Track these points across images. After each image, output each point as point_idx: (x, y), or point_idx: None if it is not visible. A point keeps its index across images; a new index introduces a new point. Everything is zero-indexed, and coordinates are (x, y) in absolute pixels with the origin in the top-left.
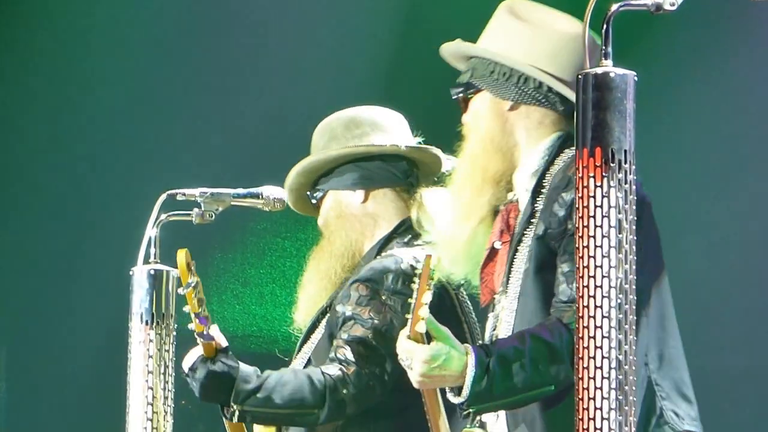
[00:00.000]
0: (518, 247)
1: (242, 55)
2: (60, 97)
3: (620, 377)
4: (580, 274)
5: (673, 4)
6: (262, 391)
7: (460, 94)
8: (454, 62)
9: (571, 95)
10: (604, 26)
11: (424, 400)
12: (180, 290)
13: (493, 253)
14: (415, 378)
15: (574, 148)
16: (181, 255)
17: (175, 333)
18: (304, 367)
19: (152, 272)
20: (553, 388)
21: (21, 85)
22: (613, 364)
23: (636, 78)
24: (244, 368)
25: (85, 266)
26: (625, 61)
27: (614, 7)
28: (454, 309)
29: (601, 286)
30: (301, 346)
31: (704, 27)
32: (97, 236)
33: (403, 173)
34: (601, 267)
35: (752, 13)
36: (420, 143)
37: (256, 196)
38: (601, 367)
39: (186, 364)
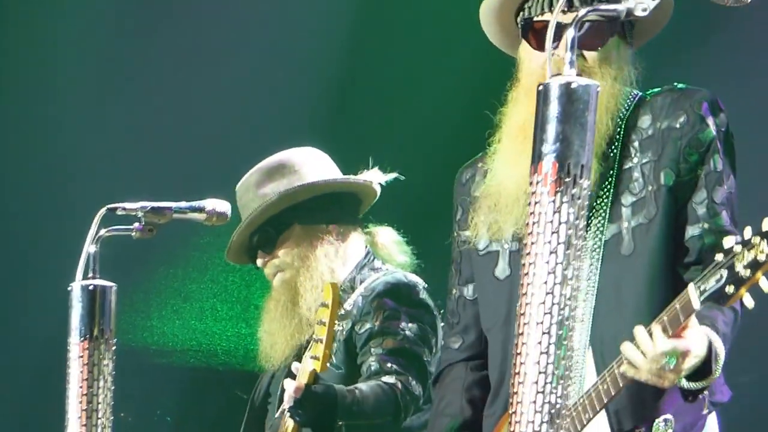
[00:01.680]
0: (606, 196)
1: (183, 66)
2: None
3: (555, 391)
4: (524, 291)
5: (645, 10)
6: (356, 405)
7: (612, 26)
8: None
9: None
10: (570, 32)
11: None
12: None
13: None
14: (674, 377)
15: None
16: (331, 288)
17: (114, 347)
18: None
19: (91, 288)
20: None
21: None
22: (549, 379)
23: (599, 89)
24: (338, 387)
25: (26, 281)
26: None
27: (582, 12)
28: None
29: (543, 303)
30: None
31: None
32: (37, 251)
33: (350, 205)
34: (545, 283)
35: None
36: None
37: (198, 210)
38: (536, 382)
39: (288, 398)
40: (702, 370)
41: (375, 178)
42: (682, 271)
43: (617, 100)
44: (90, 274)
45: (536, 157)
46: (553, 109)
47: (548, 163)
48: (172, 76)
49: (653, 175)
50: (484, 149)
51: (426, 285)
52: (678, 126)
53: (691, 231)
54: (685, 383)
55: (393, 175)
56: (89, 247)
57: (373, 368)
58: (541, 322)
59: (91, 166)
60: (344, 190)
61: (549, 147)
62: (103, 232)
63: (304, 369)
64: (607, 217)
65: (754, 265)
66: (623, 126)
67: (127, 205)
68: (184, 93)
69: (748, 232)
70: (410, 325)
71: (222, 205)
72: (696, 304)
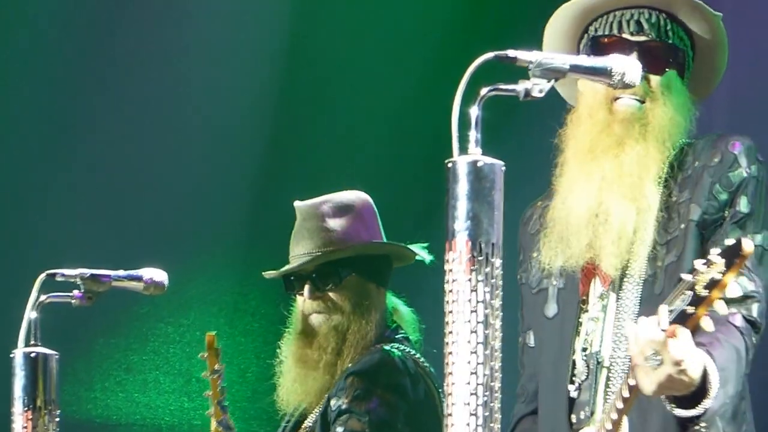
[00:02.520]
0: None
1: (123, 135)
2: None
3: None
4: (449, 370)
5: (541, 91)
6: None
7: (676, 59)
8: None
9: None
10: (474, 110)
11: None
12: (204, 375)
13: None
14: (657, 380)
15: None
16: (209, 339)
17: (58, 419)
18: None
19: (33, 355)
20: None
21: None
22: None
23: (504, 168)
24: None
25: None
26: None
27: (483, 90)
28: (436, 410)
29: (468, 383)
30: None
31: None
32: None
33: (386, 268)
34: (469, 363)
35: None
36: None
37: (136, 279)
38: None
39: None
40: (693, 397)
41: (418, 251)
42: None
43: (678, 130)
44: (32, 342)
45: (450, 234)
46: (463, 186)
47: (462, 241)
48: (109, 144)
49: (686, 213)
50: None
51: (425, 362)
52: (712, 164)
53: None
54: (671, 405)
55: (425, 253)
56: (30, 314)
57: None
58: (468, 403)
59: (31, 230)
60: (401, 255)
61: (461, 224)
62: (43, 298)
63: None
64: (646, 258)
65: (711, 284)
66: (667, 166)
67: (66, 271)
68: (122, 163)
69: (713, 252)
70: (380, 409)
71: (159, 275)
72: (664, 324)
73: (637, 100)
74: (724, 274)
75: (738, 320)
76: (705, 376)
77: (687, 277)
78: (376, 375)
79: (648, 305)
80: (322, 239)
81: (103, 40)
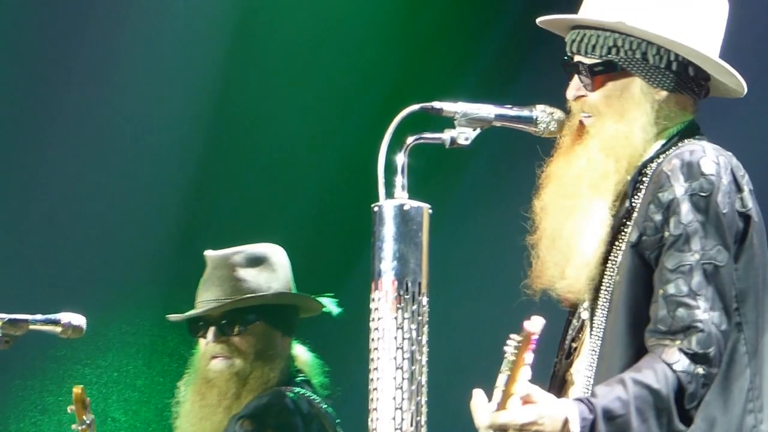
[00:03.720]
0: (609, 256)
1: (34, 179)
2: None
3: None
4: (374, 406)
5: (467, 139)
6: None
7: (601, 73)
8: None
9: (729, 76)
10: (400, 158)
11: None
12: (74, 427)
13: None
14: None
15: (696, 138)
16: (77, 391)
17: None
18: None
19: None
20: None
21: None
22: None
23: (431, 210)
24: None
25: None
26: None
27: (410, 139)
28: None
29: (394, 418)
30: None
31: (500, 160)
32: None
33: (289, 316)
34: (394, 399)
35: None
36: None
37: (54, 322)
38: None
39: None
40: None
41: (326, 303)
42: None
43: (628, 141)
44: None
45: (376, 274)
46: (389, 229)
47: (388, 281)
48: (29, 187)
49: (628, 235)
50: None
51: (321, 404)
52: (652, 183)
53: (653, 297)
54: None
55: (333, 305)
56: None
57: None
58: None
59: None
60: (308, 307)
61: (388, 265)
62: None
63: None
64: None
65: (511, 365)
66: (629, 184)
67: None
68: (42, 205)
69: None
70: None
71: (77, 319)
72: (492, 406)
73: (587, 116)
74: (516, 355)
75: (671, 356)
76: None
77: (507, 350)
78: (265, 416)
79: (609, 326)
80: (232, 288)
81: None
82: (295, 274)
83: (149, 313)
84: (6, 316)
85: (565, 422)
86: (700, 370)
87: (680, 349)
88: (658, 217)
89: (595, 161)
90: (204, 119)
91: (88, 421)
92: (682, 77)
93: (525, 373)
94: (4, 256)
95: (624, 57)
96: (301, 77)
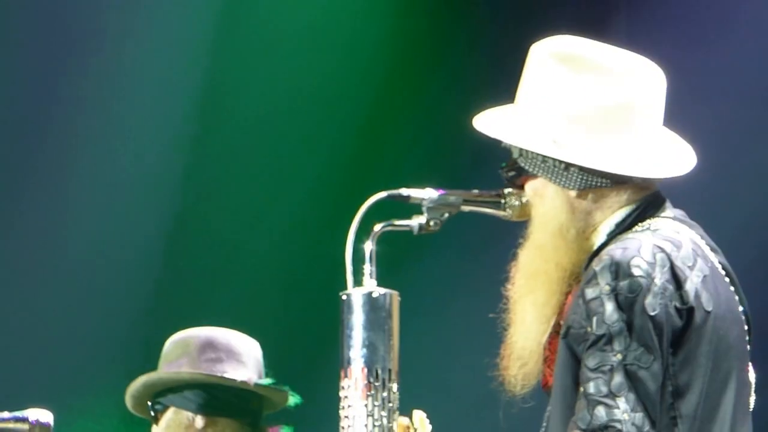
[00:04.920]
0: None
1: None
2: None
3: None
4: None
5: (436, 225)
6: None
7: (513, 178)
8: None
9: (636, 169)
10: (368, 245)
11: None
12: None
13: (557, 328)
14: None
15: (647, 220)
16: None
17: None
18: None
19: None
20: None
21: None
22: None
23: (399, 297)
24: None
25: None
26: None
27: (377, 227)
28: None
29: None
30: None
31: (472, 244)
32: None
33: (248, 408)
34: None
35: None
36: (271, 381)
37: (22, 420)
38: None
39: None
40: None
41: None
42: None
43: (552, 234)
44: None
45: (345, 362)
46: (358, 317)
47: (357, 369)
48: None
49: (564, 327)
50: None
51: None
52: (583, 277)
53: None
54: None
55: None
56: None
57: None
58: None
59: None
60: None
61: (357, 353)
62: None
63: None
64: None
65: None
66: (574, 276)
67: None
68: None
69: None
70: None
71: (45, 416)
72: None
73: None
74: None
75: None
76: None
77: None
78: None
79: (552, 414)
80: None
81: None
82: (264, 362)
83: (115, 410)
84: None
85: None
86: None
87: None
88: (583, 313)
89: (532, 260)
90: (172, 202)
91: None
92: (588, 177)
93: None
94: None
95: (530, 162)
96: (267, 163)
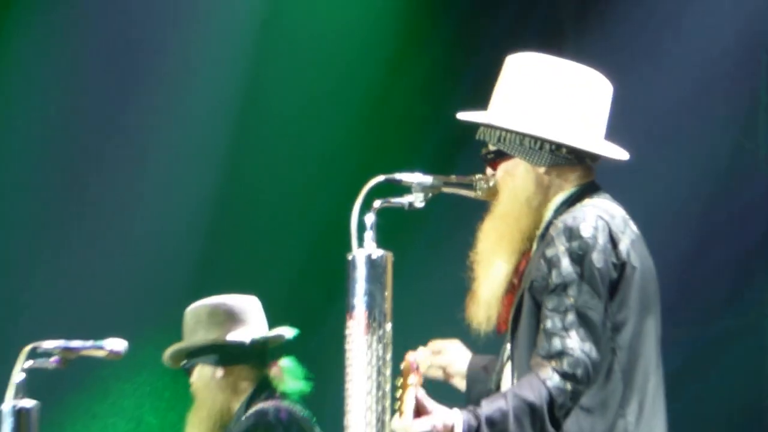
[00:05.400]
0: (521, 296)
1: (89, 236)
2: None
3: None
4: (349, 408)
5: (422, 202)
6: None
7: (492, 160)
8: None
9: (595, 148)
10: (369, 217)
11: None
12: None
13: (511, 287)
14: None
15: (587, 199)
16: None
17: None
18: None
19: (19, 407)
20: None
21: None
22: None
23: (393, 258)
24: None
25: None
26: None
27: (377, 203)
28: None
29: (364, 417)
30: None
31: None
32: None
33: (254, 353)
34: (364, 408)
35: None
36: (264, 336)
37: (99, 348)
38: None
39: None
40: None
41: (285, 332)
42: None
43: (520, 207)
44: (19, 396)
45: (350, 307)
46: (360, 273)
47: (360, 312)
48: (86, 241)
49: (526, 280)
50: None
51: (299, 411)
52: (543, 241)
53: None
54: None
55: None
56: (17, 376)
57: None
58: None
59: (19, 306)
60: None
61: (360, 300)
62: (29, 364)
63: None
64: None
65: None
66: (536, 239)
67: (46, 344)
68: (92, 257)
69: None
70: None
71: (119, 344)
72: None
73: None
74: (401, 388)
75: (545, 374)
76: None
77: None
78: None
79: (518, 351)
80: (200, 339)
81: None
82: (285, 312)
83: (176, 339)
84: (62, 344)
85: (453, 429)
86: (569, 386)
87: (553, 369)
88: (544, 269)
89: (497, 227)
90: (215, 193)
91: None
92: (556, 155)
93: (412, 393)
94: (65, 292)
95: (508, 145)
96: (294, 158)
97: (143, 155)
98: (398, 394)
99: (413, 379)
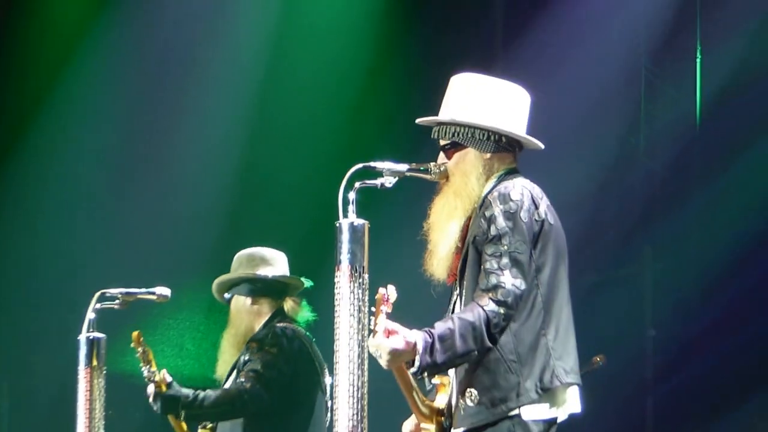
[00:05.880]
0: (466, 251)
1: (154, 197)
2: None
3: (359, 407)
4: (337, 336)
5: (390, 183)
6: (198, 401)
7: (448, 149)
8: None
9: (527, 140)
10: (351, 195)
11: (397, 380)
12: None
13: (458, 249)
14: (384, 363)
15: (513, 178)
16: (134, 335)
17: (105, 373)
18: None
19: (90, 338)
20: (476, 353)
21: None
22: (357, 405)
23: (369, 225)
24: (184, 390)
25: (40, 335)
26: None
27: (357, 184)
28: (309, 354)
29: (348, 344)
30: (224, 382)
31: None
32: (53, 312)
33: (276, 289)
34: (348, 335)
35: None
36: (284, 275)
37: (151, 293)
38: (349, 404)
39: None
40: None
41: (302, 281)
42: None
43: (468, 187)
44: (90, 330)
45: (338, 262)
46: (345, 236)
47: (345, 266)
48: (149, 202)
49: (469, 236)
50: None
51: (303, 332)
52: (483, 206)
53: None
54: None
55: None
56: (89, 314)
57: (239, 380)
58: (350, 361)
59: (84, 257)
60: (289, 283)
61: (345, 256)
62: (98, 306)
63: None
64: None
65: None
66: (476, 207)
67: (111, 290)
68: (149, 217)
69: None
70: (267, 355)
71: (165, 290)
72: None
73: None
74: (377, 308)
75: (483, 301)
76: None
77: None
78: (263, 339)
79: (466, 292)
80: (239, 275)
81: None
82: (292, 265)
83: (208, 285)
84: (123, 290)
85: (415, 345)
86: (502, 310)
87: (489, 298)
88: (484, 226)
89: (450, 200)
90: (237, 168)
91: (140, 351)
92: (498, 144)
93: (383, 318)
94: (119, 249)
95: (461, 137)
96: (297, 151)
97: (185, 139)
98: (372, 319)
99: (384, 308)
